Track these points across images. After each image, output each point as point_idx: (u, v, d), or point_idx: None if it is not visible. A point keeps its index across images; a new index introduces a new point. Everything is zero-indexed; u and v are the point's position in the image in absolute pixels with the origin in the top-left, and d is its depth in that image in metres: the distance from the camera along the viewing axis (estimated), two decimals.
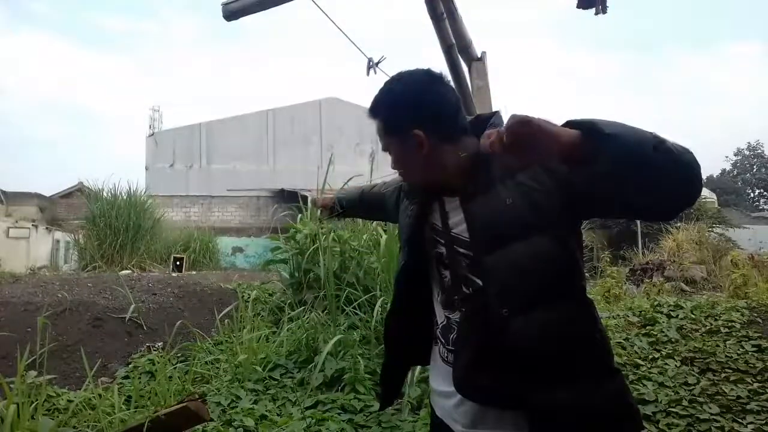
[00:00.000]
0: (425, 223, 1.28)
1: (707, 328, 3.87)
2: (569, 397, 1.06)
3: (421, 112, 1.20)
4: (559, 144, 0.93)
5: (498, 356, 1.10)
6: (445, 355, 1.24)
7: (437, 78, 1.24)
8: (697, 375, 3.21)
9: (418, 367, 2.85)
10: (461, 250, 1.19)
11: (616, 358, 3.40)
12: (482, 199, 1.15)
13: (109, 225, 12.12)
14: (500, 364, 1.10)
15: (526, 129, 0.91)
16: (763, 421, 2.70)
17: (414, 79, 1.24)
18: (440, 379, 1.25)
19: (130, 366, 3.99)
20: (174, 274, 9.44)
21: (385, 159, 1.30)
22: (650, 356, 3.50)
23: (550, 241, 1.09)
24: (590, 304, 1.18)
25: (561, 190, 1.08)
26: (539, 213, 1.09)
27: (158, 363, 3.64)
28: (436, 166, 1.21)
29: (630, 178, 0.93)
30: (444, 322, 1.24)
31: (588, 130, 0.93)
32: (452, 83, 1.31)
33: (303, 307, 4.29)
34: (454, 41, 4.95)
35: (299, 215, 5.20)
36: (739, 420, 2.74)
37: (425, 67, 1.25)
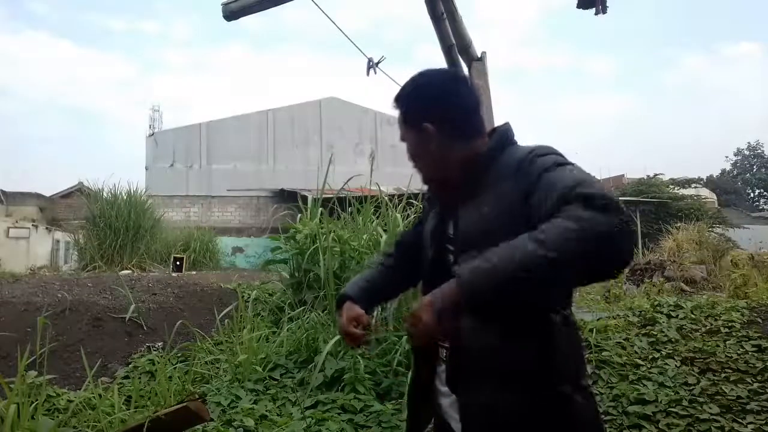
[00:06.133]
0: (438, 228, 1.31)
1: (707, 328, 3.87)
2: (490, 402, 1.09)
3: (436, 107, 1.25)
4: (450, 308, 1.03)
5: (467, 357, 1.13)
6: (443, 354, 1.25)
7: (461, 78, 1.33)
8: (697, 375, 3.21)
9: None
10: (452, 248, 1.24)
11: (617, 358, 3.42)
12: (470, 204, 1.18)
13: (109, 225, 12.13)
14: (468, 365, 1.13)
15: (420, 320, 1.05)
16: (763, 421, 2.70)
17: (438, 75, 1.30)
18: (441, 378, 1.27)
19: (130, 366, 3.99)
20: (174, 274, 9.45)
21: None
22: (650, 356, 3.50)
23: None
24: (554, 321, 1.12)
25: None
26: (509, 223, 1.08)
27: (158, 363, 3.64)
28: (443, 162, 1.24)
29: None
30: None
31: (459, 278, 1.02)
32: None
33: (303, 307, 4.29)
34: (455, 41, 4.95)
35: (299, 215, 5.20)
36: (739, 420, 2.74)
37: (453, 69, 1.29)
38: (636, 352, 3.57)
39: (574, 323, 1.18)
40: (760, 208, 39.74)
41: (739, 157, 46.84)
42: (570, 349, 1.14)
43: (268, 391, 3.23)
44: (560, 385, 1.10)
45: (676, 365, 3.34)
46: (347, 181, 4.99)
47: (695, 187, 21.83)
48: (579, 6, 4.39)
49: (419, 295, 1.37)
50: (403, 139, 1.32)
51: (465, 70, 5.25)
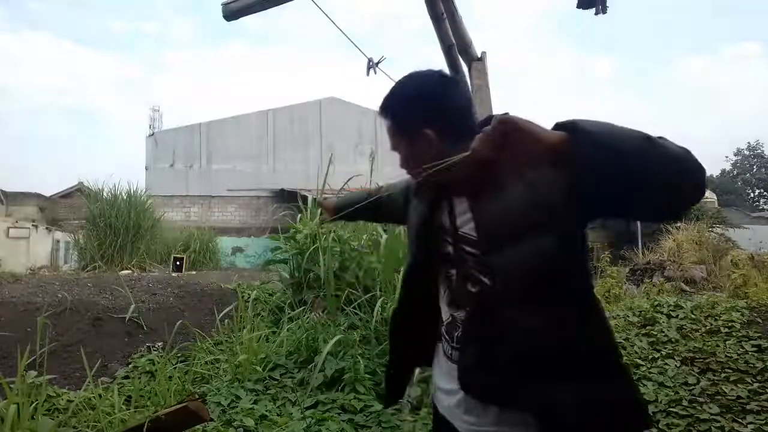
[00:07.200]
0: (433, 222, 1.28)
1: (707, 328, 3.87)
2: (571, 396, 1.05)
3: (431, 111, 1.21)
4: (542, 143, 0.98)
5: (501, 353, 1.10)
6: (450, 352, 1.24)
7: (449, 79, 1.28)
8: (697, 375, 3.21)
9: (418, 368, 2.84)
10: (468, 249, 1.19)
11: None
12: (490, 199, 1.15)
13: (109, 225, 12.12)
14: (503, 362, 1.10)
15: (510, 129, 0.97)
16: (763, 421, 2.70)
17: (425, 78, 1.25)
18: (444, 376, 1.26)
19: (130, 366, 3.99)
20: (174, 274, 9.45)
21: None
22: (650, 356, 3.50)
23: (555, 240, 1.08)
24: (596, 303, 1.17)
25: (564, 190, 1.07)
26: (545, 212, 1.08)
27: (158, 363, 3.64)
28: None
29: (618, 174, 0.97)
30: (449, 320, 1.25)
31: (570, 129, 0.98)
32: (468, 85, 1.32)
33: (303, 307, 4.29)
34: (455, 41, 4.95)
35: (299, 215, 5.20)
36: (739, 420, 2.74)
37: (437, 69, 1.27)
38: (636, 352, 3.57)
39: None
40: (760, 208, 39.72)
41: (739, 157, 46.82)
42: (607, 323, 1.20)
43: (268, 391, 3.23)
44: (620, 357, 1.16)
45: (676, 365, 3.34)
46: (347, 181, 4.99)
47: None
48: (579, 6, 4.39)
49: (406, 286, 1.40)
50: (395, 148, 1.28)
51: (465, 70, 5.25)
